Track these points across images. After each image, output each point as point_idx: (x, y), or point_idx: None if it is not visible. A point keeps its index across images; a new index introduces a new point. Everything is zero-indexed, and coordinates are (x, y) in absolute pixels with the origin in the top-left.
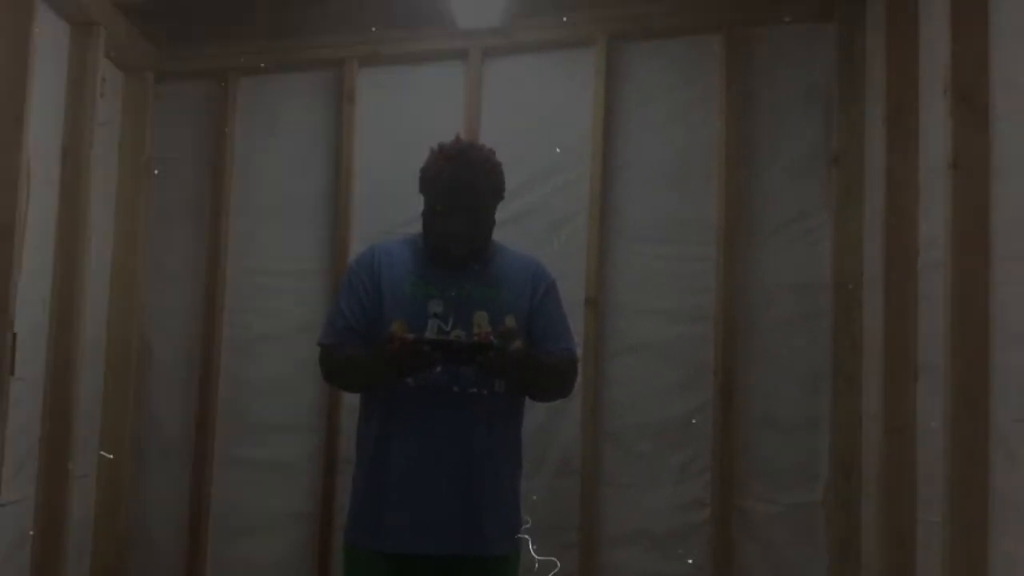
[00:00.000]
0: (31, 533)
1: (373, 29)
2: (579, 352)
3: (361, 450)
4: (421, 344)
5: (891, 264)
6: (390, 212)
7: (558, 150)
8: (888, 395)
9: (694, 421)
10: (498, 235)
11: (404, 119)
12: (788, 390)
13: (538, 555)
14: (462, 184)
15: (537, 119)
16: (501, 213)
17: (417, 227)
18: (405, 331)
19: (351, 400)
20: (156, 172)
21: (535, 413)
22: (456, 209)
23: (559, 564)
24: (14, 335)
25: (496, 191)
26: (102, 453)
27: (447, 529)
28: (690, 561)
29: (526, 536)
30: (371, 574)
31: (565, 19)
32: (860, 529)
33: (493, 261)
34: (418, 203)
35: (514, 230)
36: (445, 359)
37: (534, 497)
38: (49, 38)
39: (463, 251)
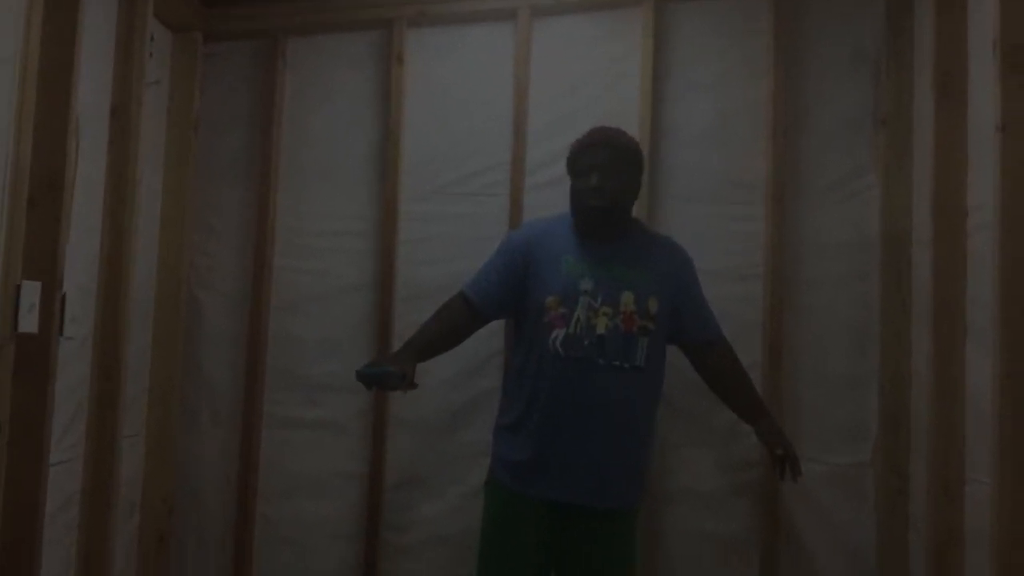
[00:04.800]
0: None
1: None
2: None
3: (510, 406)
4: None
5: (940, 225)
6: (438, 173)
7: (606, 111)
8: (937, 354)
9: None
10: (547, 194)
11: (453, 80)
12: (836, 349)
13: None
14: (601, 142)
15: (586, 80)
16: (551, 172)
17: (464, 188)
18: (559, 306)
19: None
20: (204, 131)
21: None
22: (595, 167)
23: None
24: (63, 295)
25: (634, 156)
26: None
27: (577, 481)
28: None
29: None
30: (510, 510)
31: None
32: (909, 488)
33: (637, 241)
34: (466, 163)
35: (562, 191)
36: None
37: None
38: None
39: (602, 204)
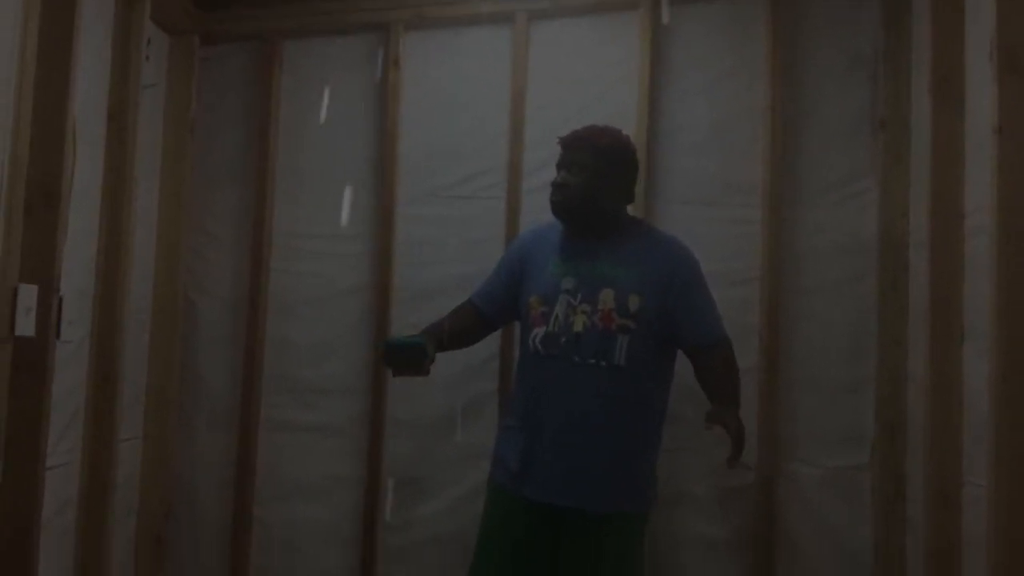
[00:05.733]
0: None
1: None
2: (725, 329)
3: (510, 405)
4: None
5: (937, 227)
6: (435, 176)
7: (604, 114)
8: (934, 357)
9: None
10: (544, 197)
11: (450, 82)
12: (833, 353)
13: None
14: (576, 139)
15: (583, 83)
16: (548, 175)
17: (461, 191)
18: (540, 305)
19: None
20: (201, 134)
21: None
22: (566, 163)
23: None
24: (60, 298)
25: (617, 155)
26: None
27: (552, 482)
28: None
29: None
30: (497, 506)
31: None
32: (906, 492)
33: (630, 240)
34: (462, 167)
35: None
36: (387, 359)
37: None
38: (95, 1)
39: (559, 200)
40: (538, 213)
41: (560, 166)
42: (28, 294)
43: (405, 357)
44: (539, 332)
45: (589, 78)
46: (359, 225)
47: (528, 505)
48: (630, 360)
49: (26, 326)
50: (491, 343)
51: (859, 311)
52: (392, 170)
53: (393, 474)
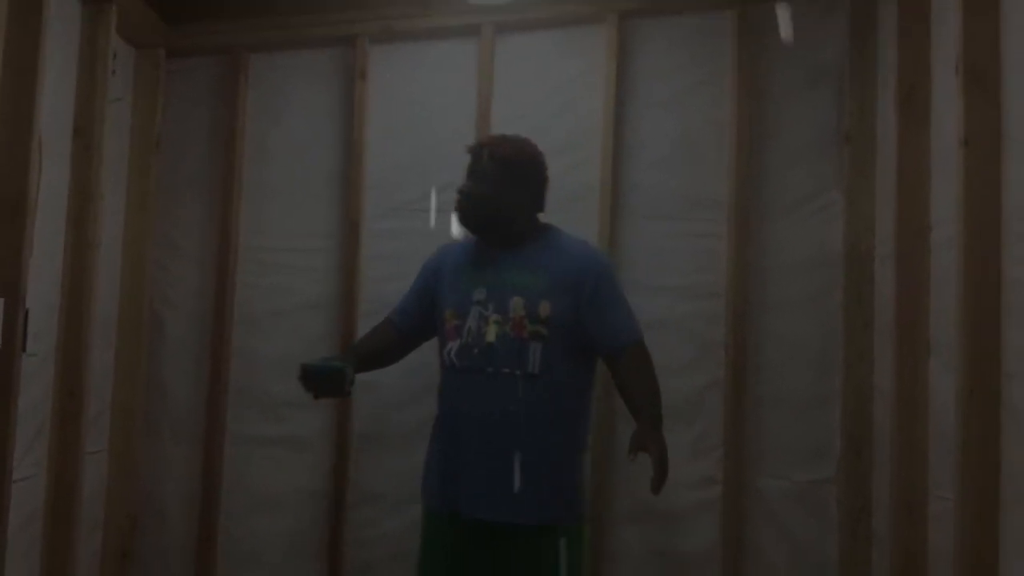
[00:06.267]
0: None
1: (385, 5)
2: (640, 331)
3: (435, 421)
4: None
5: (903, 241)
6: (402, 189)
7: (569, 127)
8: (900, 371)
9: (705, 398)
10: None
11: (416, 95)
12: (799, 367)
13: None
14: (480, 148)
15: (549, 96)
16: None
17: (427, 204)
18: (454, 318)
19: (362, 379)
20: (167, 148)
21: None
22: (472, 172)
23: None
24: (26, 311)
25: (519, 165)
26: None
27: (477, 496)
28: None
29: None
30: (428, 528)
31: None
32: (872, 505)
33: (539, 247)
34: (429, 180)
35: None
36: (306, 384)
37: None
38: (61, 14)
39: (468, 213)
40: None
41: (467, 175)
42: None
43: (325, 382)
44: (453, 345)
45: (555, 91)
46: (325, 238)
47: (458, 522)
48: (545, 367)
49: None
50: None
51: (825, 325)
52: (358, 183)
53: (359, 489)
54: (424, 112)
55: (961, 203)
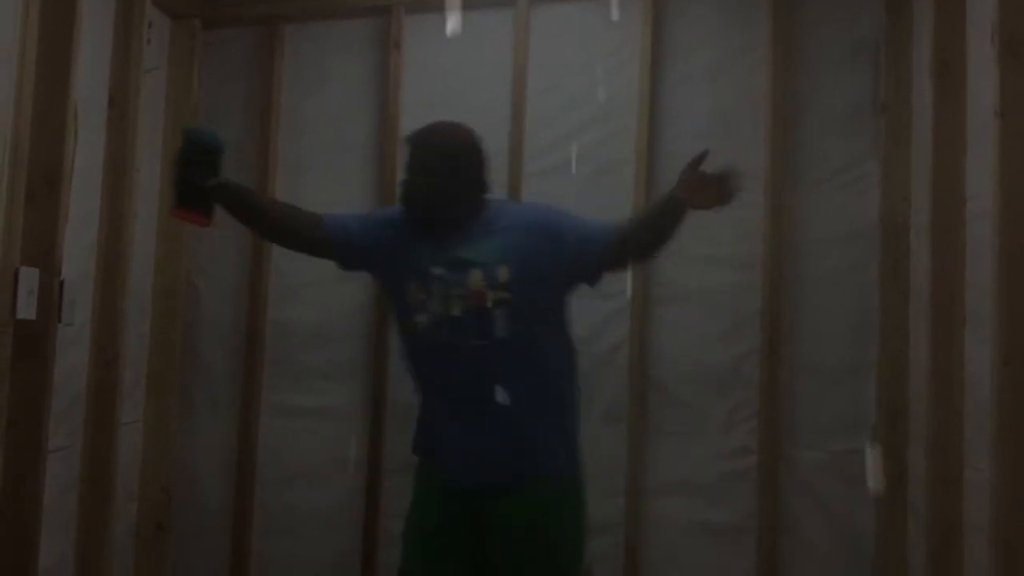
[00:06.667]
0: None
1: None
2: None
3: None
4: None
5: (939, 213)
6: None
7: (604, 99)
8: (935, 343)
9: (741, 368)
10: (546, 180)
11: (451, 66)
12: (835, 337)
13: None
14: (417, 140)
15: (584, 67)
16: (547, 160)
17: None
18: (417, 292)
19: (399, 346)
20: (202, 118)
21: (581, 362)
22: (412, 165)
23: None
24: (61, 281)
25: (457, 154)
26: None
27: (466, 466)
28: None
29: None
30: (424, 481)
31: None
32: (907, 476)
33: (486, 221)
34: None
35: (560, 178)
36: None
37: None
38: None
39: (413, 207)
40: (540, 195)
41: (406, 168)
42: (30, 277)
43: (197, 153)
44: (421, 319)
45: (590, 62)
46: (361, 208)
47: (449, 487)
48: (513, 332)
49: (27, 309)
50: None
51: (861, 297)
52: (393, 154)
53: (395, 459)
54: (459, 83)
55: (997, 175)
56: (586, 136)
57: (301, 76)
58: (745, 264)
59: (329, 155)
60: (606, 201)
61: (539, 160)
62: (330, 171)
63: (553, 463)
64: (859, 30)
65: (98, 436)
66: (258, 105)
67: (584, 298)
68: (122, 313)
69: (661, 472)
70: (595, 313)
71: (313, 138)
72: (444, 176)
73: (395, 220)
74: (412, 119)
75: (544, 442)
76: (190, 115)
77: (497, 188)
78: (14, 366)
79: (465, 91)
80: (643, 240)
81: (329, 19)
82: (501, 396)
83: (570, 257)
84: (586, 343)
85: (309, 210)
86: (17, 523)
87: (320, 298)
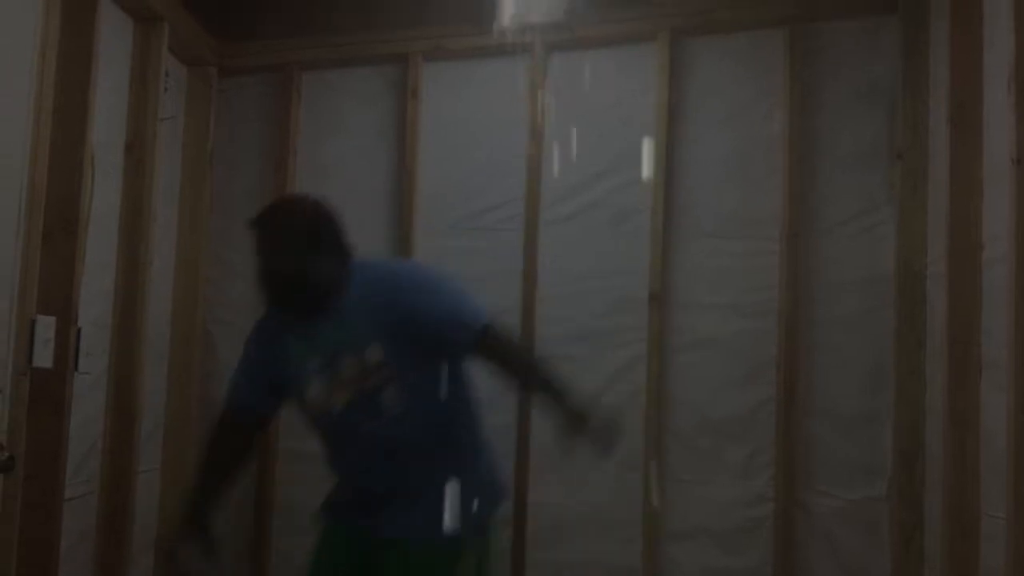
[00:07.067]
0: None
1: (437, 23)
2: (482, 312)
3: None
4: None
5: (955, 259)
6: (454, 208)
7: (621, 146)
8: (952, 389)
9: (757, 416)
10: (562, 228)
11: (468, 114)
12: (851, 384)
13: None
14: (267, 225)
15: (600, 114)
16: (563, 208)
17: (479, 223)
18: (304, 393)
19: None
20: (219, 165)
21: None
22: (268, 249)
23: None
24: (79, 329)
25: (314, 231)
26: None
27: (367, 519)
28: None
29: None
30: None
31: (628, 14)
32: (924, 524)
33: (349, 295)
34: (481, 198)
35: (577, 225)
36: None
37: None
38: (113, 32)
39: (281, 296)
40: (555, 243)
41: (260, 252)
42: (46, 326)
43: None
44: (313, 413)
45: (607, 109)
46: (377, 256)
47: (358, 536)
48: (407, 402)
49: (44, 357)
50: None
51: (877, 343)
52: (410, 202)
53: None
54: (476, 130)
55: (1013, 221)
56: (602, 184)
57: (317, 123)
58: (761, 311)
59: (345, 202)
60: (624, 248)
61: (555, 208)
62: (347, 218)
63: (451, 524)
64: (875, 76)
65: (115, 484)
66: (274, 152)
67: (599, 346)
68: (140, 360)
69: (677, 519)
70: (611, 361)
71: (330, 184)
72: (295, 252)
73: (267, 326)
74: (429, 166)
75: (447, 507)
76: (206, 160)
77: (513, 236)
78: (31, 414)
79: (482, 138)
80: (500, 368)
81: (346, 66)
82: (403, 473)
83: (430, 336)
84: (602, 391)
85: (222, 429)
86: (35, 570)
87: None
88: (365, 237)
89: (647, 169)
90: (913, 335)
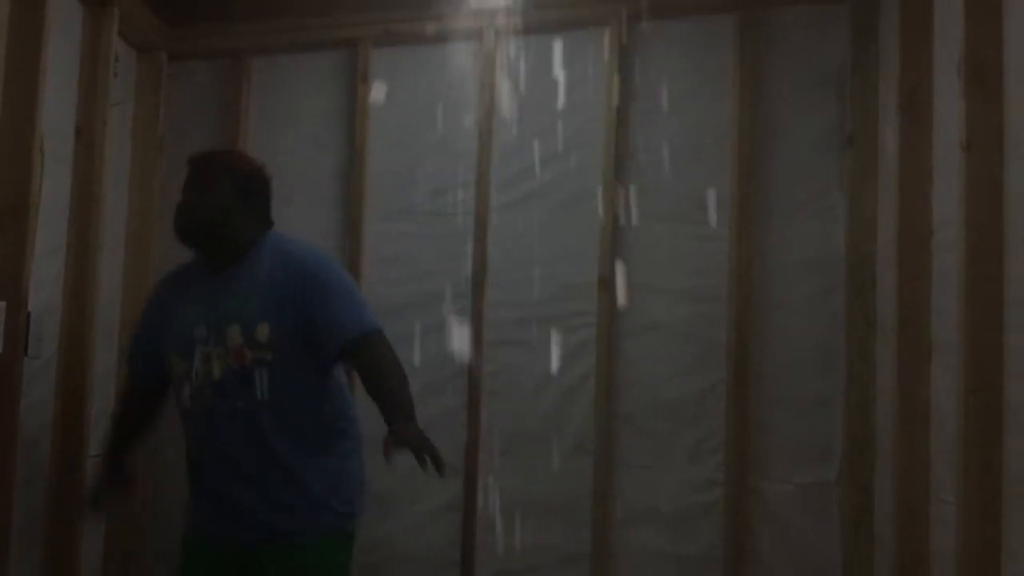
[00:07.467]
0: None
1: (387, 9)
2: (370, 322)
3: None
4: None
5: (905, 243)
6: (404, 193)
7: (572, 130)
8: (902, 373)
9: (707, 400)
10: (513, 213)
11: (419, 99)
12: (801, 369)
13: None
14: (209, 160)
15: (551, 99)
16: (513, 192)
17: (429, 207)
18: (181, 361)
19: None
20: (169, 151)
21: (548, 394)
22: (196, 184)
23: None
24: (28, 314)
25: (252, 181)
26: None
27: (233, 528)
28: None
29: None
30: (188, 556)
31: None
32: (874, 508)
33: (256, 262)
34: (431, 183)
35: (527, 210)
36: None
37: (547, 477)
38: (63, 17)
39: (189, 227)
40: (506, 228)
41: (188, 187)
42: None
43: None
44: (186, 389)
45: (557, 93)
46: (328, 240)
47: (214, 552)
48: (274, 392)
49: None
50: (455, 360)
51: (827, 327)
52: (360, 186)
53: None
54: (426, 116)
55: (963, 206)
56: (553, 169)
57: (268, 108)
58: (711, 295)
59: (296, 187)
60: (574, 232)
61: (506, 193)
62: (297, 203)
63: (314, 521)
64: (826, 62)
65: (64, 469)
66: (225, 137)
67: (549, 330)
68: (90, 345)
69: (628, 503)
70: (561, 346)
71: (280, 170)
72: (225, 196)
73: (168, 282)
74: (379, 151)
75: (307, 501)
76: (156, 146)
77: (464, 220)
78: None
79: (432, 123)
80: (365, 380)
81: (296, 52)
82: (263, 461)
83: (313, 329)
84: (552, 376)
85: (123, 390)
86: None
87: None
88: (315, 221)
89: (598, 154)
90: (863, 319)
